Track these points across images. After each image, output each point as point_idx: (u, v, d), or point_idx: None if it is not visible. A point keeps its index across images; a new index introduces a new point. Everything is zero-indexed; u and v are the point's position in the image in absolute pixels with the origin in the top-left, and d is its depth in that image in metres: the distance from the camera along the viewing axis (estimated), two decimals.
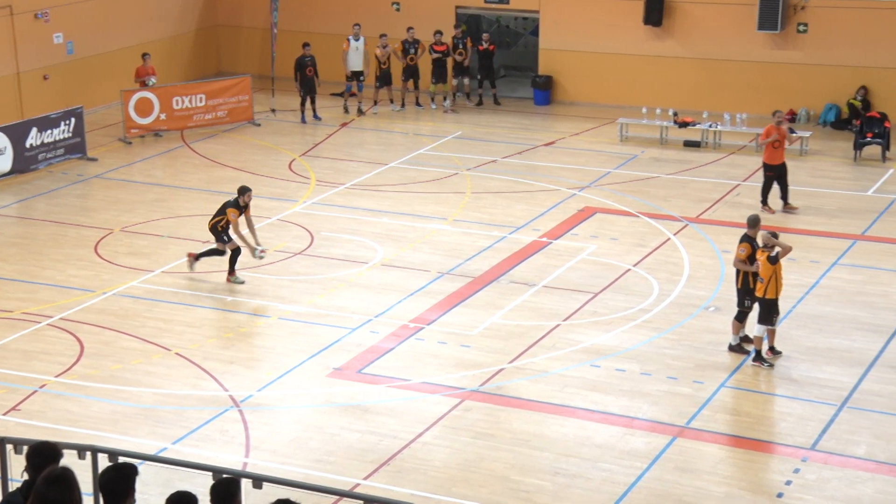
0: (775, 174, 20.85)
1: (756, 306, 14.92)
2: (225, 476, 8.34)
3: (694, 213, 20.92)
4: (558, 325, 16.21)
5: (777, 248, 14.66)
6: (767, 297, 14.72)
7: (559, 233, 19.99)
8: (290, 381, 14.67)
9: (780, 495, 11.94)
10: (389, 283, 17.70)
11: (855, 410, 13.64)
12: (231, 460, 12.62)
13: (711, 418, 13.57)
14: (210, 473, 8.94)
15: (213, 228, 17.88)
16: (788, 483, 12.14)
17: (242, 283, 17.56)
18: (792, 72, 27.26)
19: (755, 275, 14.89)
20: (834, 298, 16.91)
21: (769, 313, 14.77)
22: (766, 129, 21.11)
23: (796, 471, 12.38)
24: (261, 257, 17.80)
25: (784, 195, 20.93)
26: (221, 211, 17.84)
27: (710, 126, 25.24)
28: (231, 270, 17.62)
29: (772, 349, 15.03)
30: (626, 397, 14.17)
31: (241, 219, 17.70)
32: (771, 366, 14.72)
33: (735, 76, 27.38)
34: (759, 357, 14.79)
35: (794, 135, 24.64)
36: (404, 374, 14.82)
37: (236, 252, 17.67)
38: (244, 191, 17.79)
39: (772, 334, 14.97)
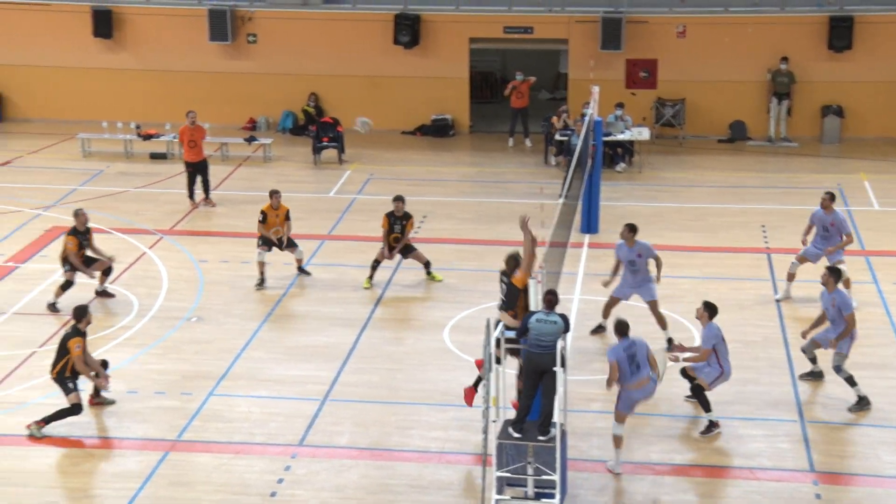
0: (195, 169, 21.84)
1: None
2: None
3: (167, 225, 20.85)
4: (34, 353, 15.45)
5: None
6: None
7: (27, 256, 19.06)
8: None
9: (273, 494, 12.29)
10: None
11: (336, 402, 14.35)
12: None
13: (203, 428, 13.64)
14: None
15: None
16: (280, 481, 12.53)
17: None
18: (247, 81, 28.04)
19: None
20: (309, 297, 17.67)
21: None
22: (181, 129, 22.04)
23: (287, 468, 12.80)
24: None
25: (206, 189, 21.98)
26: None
27: (174, 137, 25.28)
28: None
29: None
30: (115, 418, 13.84)
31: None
32: None
33: (193, 87, 27.66)
34: None
35: (256, 142, 25.47)
36: None
37: None
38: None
39: None
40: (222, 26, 27.42)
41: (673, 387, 14.66)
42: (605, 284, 16.14)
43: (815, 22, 26.55)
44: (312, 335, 16.31)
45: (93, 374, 13.71)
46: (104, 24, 27.62)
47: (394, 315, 17.05)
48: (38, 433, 13.33)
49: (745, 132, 27.26)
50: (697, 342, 15.94)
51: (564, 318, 12.02)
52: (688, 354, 13.74)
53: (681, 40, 27.11)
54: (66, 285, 16.99)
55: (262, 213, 18.17)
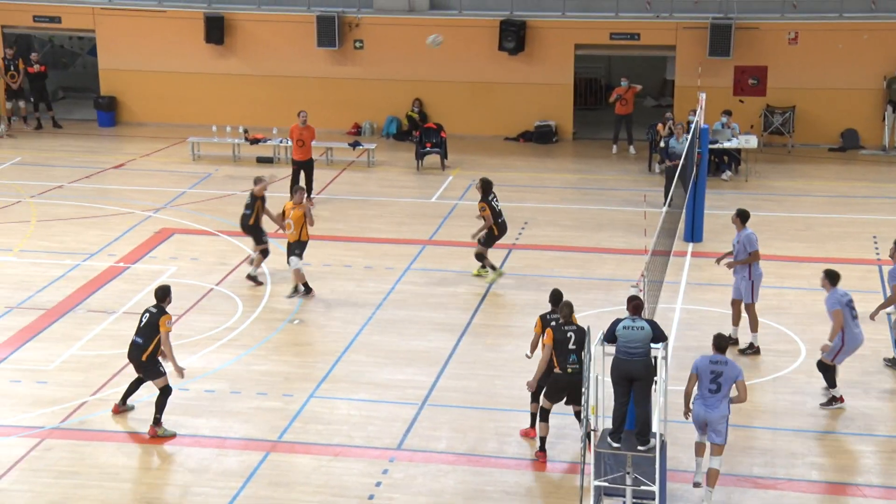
0: (300, 168, 22.28)
1: None
2: None
3: (272, 228, 21.12)
4: None
5: None
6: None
7: (137, 256, 19.53)
8: None
9: (371, 497, 12.37)
10: None
11: (435, 407, 14.38)
12: None
13: (303, 430, 13.80)
14: None
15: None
16: (378, 484, 12.60)
17: None
18: (353, 86, 28.33)
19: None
20: (409, 302, 17.76)
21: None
22: (291, 128, 22.51)
23: (385, 471, 12.87)
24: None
25: (308, 189, 22.07)
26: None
27: (281, 142, 25.66)
28: None
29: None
30: (217, 417, 14.08)
31: None
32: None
33: (300, 92, 28.03)
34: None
35: (360, 147, 25.74)
36: None
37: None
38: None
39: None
40: (330, 32, 27.76)
41: (778, 399, 14.37)
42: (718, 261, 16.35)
43: None
44: (412, 339, 16.38)
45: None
46: (216, 29, 28.18)
47: (493, 321, 17.04)
48: (167, 432, 13.61)
49: (858, 141, 26.62)
50: (803, 349, 15.72)
51: (653, 323, 11.83)
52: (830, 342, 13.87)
53: (792, 47, 26.60)
54: (265, 252, 18.29)
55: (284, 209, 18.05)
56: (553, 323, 13.09)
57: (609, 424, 11.93)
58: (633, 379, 11.76)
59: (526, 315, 17.15)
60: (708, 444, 12.16)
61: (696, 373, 12.14)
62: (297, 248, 17.76)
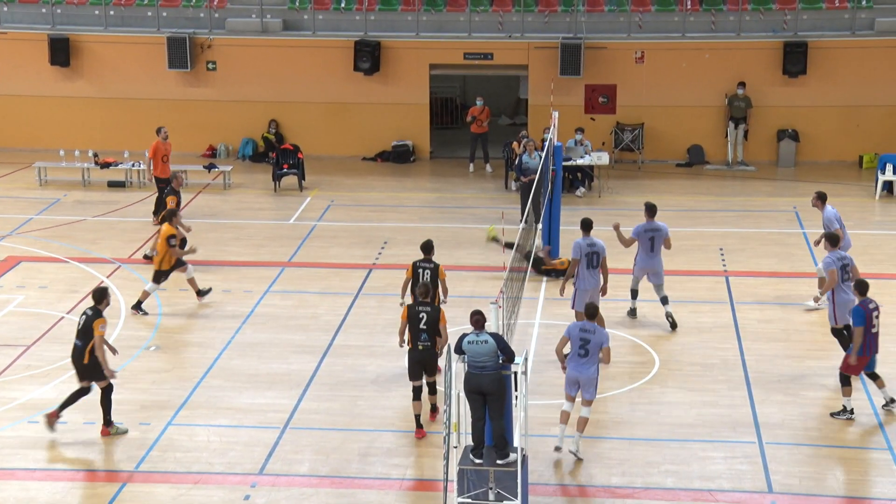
0: (167, 186, 21.47)
1: None
2: None
3: (126, 254, 20.71)
4: None
5: None
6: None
7: None
8: None
9: None
10: None
11: (297, 430, 14.26)
12: None
13: (161, 458, 13.51)
14: None
15: None
16: None
17: None
18: (207, 108, 27.98)
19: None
20: (269, 325, 17.59)
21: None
22: (153, 145, 22.18)
23: (247, 497, 12.70)
24: None
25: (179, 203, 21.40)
26: None
27: (133, 165, 25.16)
28: None
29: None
30: (71, 449, 13.69)
31: None
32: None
33: (152, 114, 27.50)
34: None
35: (215, 169, 25.47)
36: None
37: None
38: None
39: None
40: (181, 54, 27.36)
41: (634, 410, 14.71)
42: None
43: (770, 47, 26.89)
44: (273, 362, 16.23)
45: (109, 355, 13.95)
46: (61, 52, 27.50)
47: (355, 341, 17.01)
48: (119, 430, 13.83)
49: (703, 156, 27.51)
50: (657, 360, 16.14)
51: (497, 337, 12.02)
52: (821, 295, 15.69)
53: (639, 66, 27.35)
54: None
55: (174, 236, 17.77)
56: (413, 296, 14.57)
57: (471, 441, 12.04)
58: (485, 393, 11.93)
59: (387, 335, 17.18)
60: (579, 398, 13.23)
61: (567, 336, 13.28)
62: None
